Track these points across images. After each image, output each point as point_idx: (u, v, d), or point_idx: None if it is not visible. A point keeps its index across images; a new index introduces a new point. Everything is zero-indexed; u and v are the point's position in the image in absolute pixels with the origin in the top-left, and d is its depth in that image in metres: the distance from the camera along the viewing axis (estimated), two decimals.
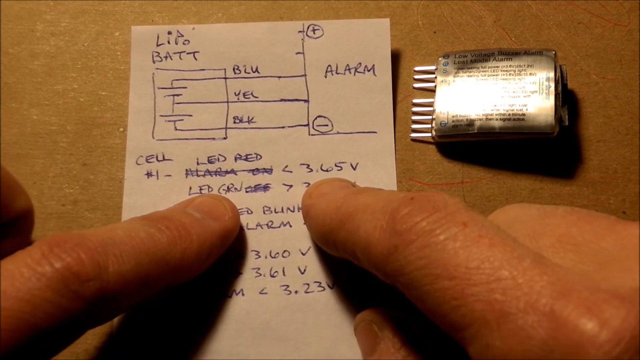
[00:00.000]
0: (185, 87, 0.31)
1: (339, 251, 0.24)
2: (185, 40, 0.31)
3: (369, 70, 0.30)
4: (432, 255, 0.18)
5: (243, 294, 0.28)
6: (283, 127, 0.30)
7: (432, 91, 0.31)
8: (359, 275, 0.28)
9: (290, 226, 0.29)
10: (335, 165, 0.30)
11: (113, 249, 0.22)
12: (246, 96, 0.30)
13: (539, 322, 0.16)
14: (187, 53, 0.31)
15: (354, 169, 0.30)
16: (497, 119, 0.29)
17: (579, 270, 0.18)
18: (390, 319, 0.25)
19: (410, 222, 0.19)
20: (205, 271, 0.29)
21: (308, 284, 0.29)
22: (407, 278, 0.19)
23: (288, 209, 0.29)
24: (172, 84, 0.31)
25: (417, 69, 0.31)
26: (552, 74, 0.29)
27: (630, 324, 0.15)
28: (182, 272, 0.25)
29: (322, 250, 0.29)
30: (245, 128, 0.30)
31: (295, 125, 0.30)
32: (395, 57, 0.31)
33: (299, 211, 0.29)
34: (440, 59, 0.31)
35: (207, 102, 0.30)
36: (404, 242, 0.19)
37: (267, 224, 0.29)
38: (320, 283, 0.29)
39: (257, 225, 0.29)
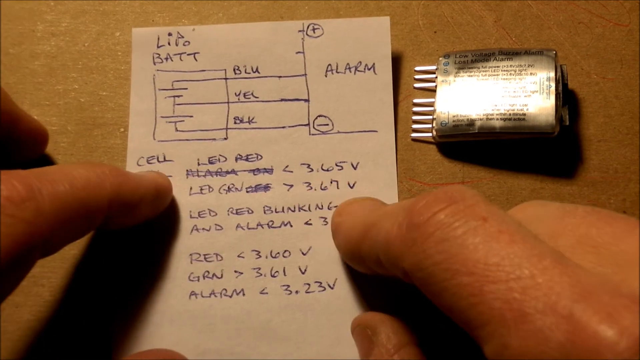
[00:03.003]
0: (186, 88, 0.31)
1: (365, 263, 0.24)
2: (186, 41, 0.31)
3: (369, 69, 0.30)
4: (450, 250, 0.18)
5: (243, 294, 0.28)
6: (283, 127, 0.30)
7: (432, 91, 0.31)
8: (359, 276, 0.28)
9: (291, 226, 0.29)
10: (336, 165, 0.30)
11: (46, 175, 0.22)
12: (247, 96, 0.30)
13: (557, 325, 0.16)
14: (188, 54, 0.31)
15: (355, 168, 0.30)
16: (497, 119, 0.29)
17: (598, 273, 0.18)
18: (384, 324, 0.24)
19: (427, 214, 0.19)
20: (206, 270, 0.29)
21: (309, 284, 0.29)
22: (425, 273, 0.19)
23: (289, 208, 0.29)
24: (172, 85, 0.31)
25: (417, 68, 0.31)
26: (552, 74, 0.29)
27: None
28: (119, 207, 0.25)
29: (323, 250, 0.29)
30: (245, 128, 0.30)
31: (296, 125, 0.30)
32: (396, 57, 0.31)
33: (299, 211, 0.29)
34: (440, 58, 0.31)
35: (207, 103, 0.30)
36: (422, 235, 0.19)
37: (267, 224, 0.29)
38: (321, 283, 0.29)
39: (257, 225, 0.29)
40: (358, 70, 0.30)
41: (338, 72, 0.30)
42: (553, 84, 0.29)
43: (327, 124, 0.30)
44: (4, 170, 0.22)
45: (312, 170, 0.30)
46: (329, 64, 0.31)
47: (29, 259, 0.22)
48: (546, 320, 0.16)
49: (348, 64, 0.30)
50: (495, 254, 0.17)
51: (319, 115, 0.30)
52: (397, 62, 0.31)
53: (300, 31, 0.31)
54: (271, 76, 0.31)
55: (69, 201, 0.22)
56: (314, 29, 0.31)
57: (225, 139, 0.30)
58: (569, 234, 0.20)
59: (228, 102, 0.30)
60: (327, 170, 0.30)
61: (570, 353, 0.15)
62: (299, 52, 0.31)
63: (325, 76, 0.30)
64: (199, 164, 0.30)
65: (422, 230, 0.19)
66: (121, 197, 0.25)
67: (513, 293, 0.17)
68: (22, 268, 0.21)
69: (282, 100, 0.30)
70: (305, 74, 0.31)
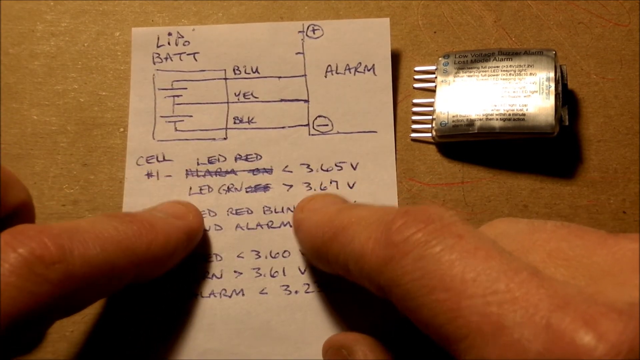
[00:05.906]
0: (186, 88, 0.31)
1: (330, 264, 0.24)
2: (186, 41, 0.31)
3: (369, 70, 0.30)
4: (427, 266, 0.18)
5: (243, 294, 0.28)
6: (283, 127, 0.30)
7: (432, 91, 0.31)
8: None
9: (291, 226, 0.29)
10: (336, 165, 0.30)
11: (77, 235, 0.22)
12: (246, 97, 0.30)
13: (535, 335, 0.16)
14: (188, 54, 0.31)
15: (354, 168, 0.30)
16: (497, 119, 0.29)
17: (572, 285, 0.18)
18: (359, 343, 0.25)
19: (406, 233, 0.19)
20: (206, 270, 0.29)
21: (308, 284, 0.29)
22: (402, 289, 0.19)
23: (288, 208, 0.29)
24: (172, 85, 0.31)
25: (417, 69, 0.31)
26: (552, 74, 0.29)
27: (627, 337, 0.15)
28: (149, 265, 0.25)
29: None
30: (245, 128, 0.30)
31: (296, 126, 0.30)
32: (396, 57, 0.31)
33: None
34: (440, 59, 0.31)
35: (207, 103, 0.30)
36: (399, 253, 0.19)
37: (267, 224, 0.29)
38: (321, 283, 0.29)
39: (257, 225, 0.29)
40: (358, 71, 0.30)
41: (338, 73, 0.30)
42: (553, 84, 0.29)
43: (327, 125, 0.30)
44: (36, 225, 0.21)
45: (312, 170, 0.30)
46: (329, 65, 0.31)
47: (50, 319, 0.21)
48: (524, 332, 0.16)
49: (348, 64, 0.31)
50: (471, 270, 0.18)
51: (319, 116, 0.30)
52: (396, 62, 0.31)
53: (300, 32, 0.31)
54: (271, 77, 0.31)
55: (99, 265, 0.22)
56: (313, 30, 0.31)
57: (225, 138, 0.30)
58: (539, 249, 0.20)
59: (228, 102, 0.30)
60: (327, 170, 0.30)
61: None
62: (298, 52, 0.31)
63: (325, 77, 0.30)
64: (198, 164, 0.30)
65: (400, 248, 0.19)
66: (151, 257, 0.24)
67: (490, 307, 0.17)
68: (40, 326, 0.21)
69: (281, 100, 0.30)
70: (305, 75, 0.31)
